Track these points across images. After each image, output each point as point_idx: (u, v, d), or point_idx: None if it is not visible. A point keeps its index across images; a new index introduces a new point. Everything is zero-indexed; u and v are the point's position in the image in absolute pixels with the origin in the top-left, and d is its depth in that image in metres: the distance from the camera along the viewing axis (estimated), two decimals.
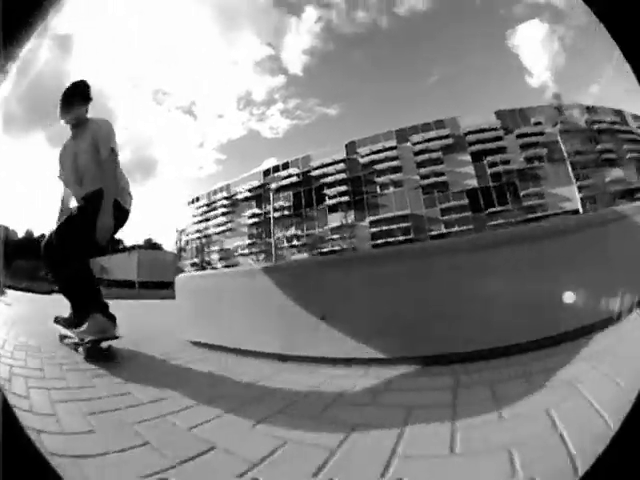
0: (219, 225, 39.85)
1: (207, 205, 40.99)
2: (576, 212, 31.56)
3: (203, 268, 40.11)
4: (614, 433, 0.60)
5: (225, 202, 39.78)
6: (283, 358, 1.98)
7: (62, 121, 2.28)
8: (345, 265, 2.19)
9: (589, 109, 35.96)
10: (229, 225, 39.18)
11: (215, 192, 41.04)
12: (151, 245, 44.17)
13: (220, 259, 39.81)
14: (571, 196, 31.76)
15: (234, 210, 39.10)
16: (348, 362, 1.77)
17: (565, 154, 31.43)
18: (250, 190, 38.14)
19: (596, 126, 34.92)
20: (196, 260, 40.79)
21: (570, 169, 32.35)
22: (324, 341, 1.88)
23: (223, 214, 39.71)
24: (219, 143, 54.18)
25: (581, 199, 31.90)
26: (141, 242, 44.11)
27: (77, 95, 2.27)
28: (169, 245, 45.56)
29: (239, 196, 38.84)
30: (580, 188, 32.04)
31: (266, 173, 37.65)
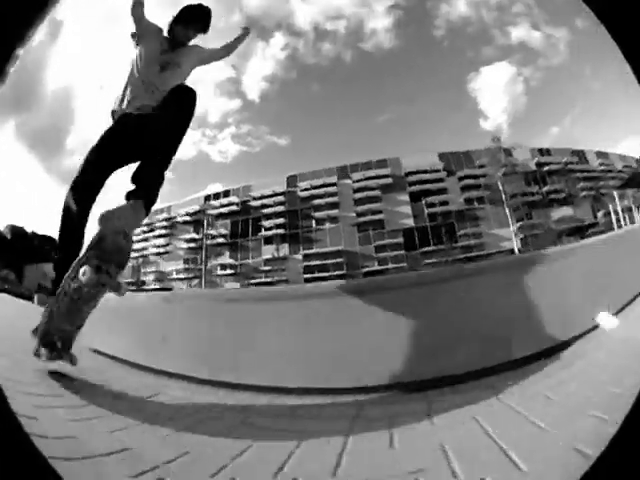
0: (157, 247, 38.20)
1: (147, 225, 39.46)
2: (512, 251, 30.95)
3: (139, 287, 38.48)
4: None
5: (165, 224, 38.27)
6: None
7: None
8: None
9: (541, 151, 35.98)
10: (167, 248, 37.55)
11: (156, 213, 39.52)
12: None
13: (155, 280, 38.06)
14: (509, 236, 31.16)
15: (173, 233, 37.58)
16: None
17: (505, 196, 30.91)
18: (189, 214, 36.74)
19: (547, 167, 34.85)
20: (132, 280, 39.10)
21: (509, 210, 31.87)
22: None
23: (161, 236, 38.09)
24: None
25: (521, 239, 31.37)
26: None
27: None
28: None
29: (179, 219, 37.39)
30: (521, 228, 31.50)
31: (207, 198, 36.38)
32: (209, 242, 34.87)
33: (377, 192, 31.07)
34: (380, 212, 30.87)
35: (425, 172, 31.53)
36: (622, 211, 23.16)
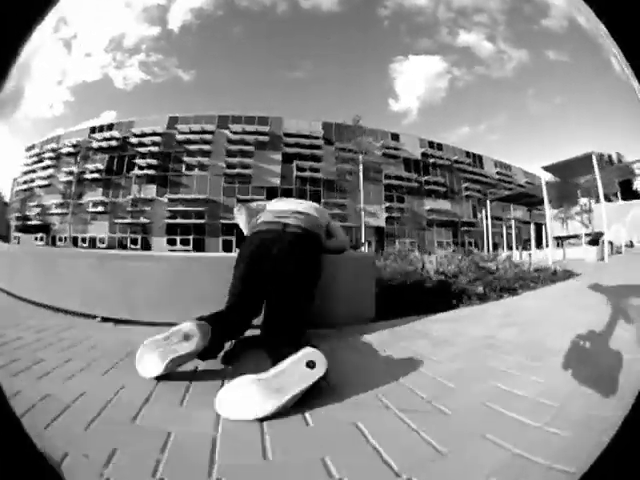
0: (42, 179, 36.36)
1: (37, 155, 37.61)
2: (380, 228, 30.72)
3: (24, 220, 36.55)
4: None
5: (52, 154, 36.58)
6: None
7: None
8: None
9: (432, 144, 36.36)
10: (50, 180, 35.76)
11: (46, 142, 37.82)
12: None
13: (37, 215, 36.06)
14: (378, 214, 30.98)
15: (57, 165, 35.89)
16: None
17: (374, 175, 30.80)
18: (73, 146, 35.21)
19: (432, 160, 35.15)
20: (18, 214, 37.05)
21: (383, 190, 31.83)
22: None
23: (47, 167, 36.32)
24: (74, 83, 50.15)
25: (386, 218, 31.26)
26: None
27: None
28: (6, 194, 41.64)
29: (63, 150, 35.79)
30: (388, 208, 31.39)
31: (92, 131, 34.95)
32: (85, 177, 33.37)
33: (251, 147, 30.58)
34: (249, 167, 30.31)
35: (304, 137, 31.28)
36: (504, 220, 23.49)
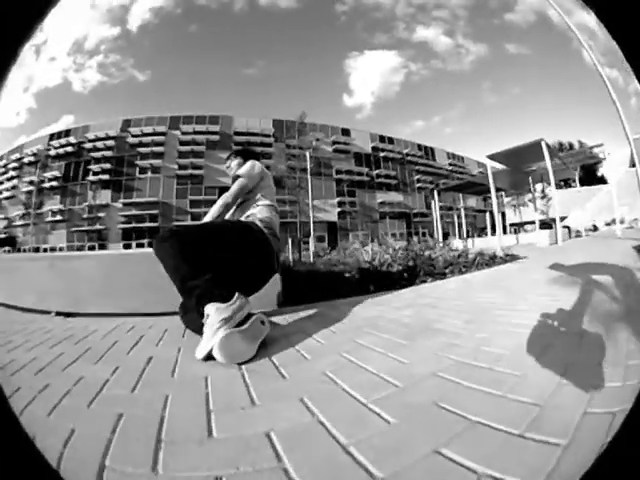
0: (8, 190, 36.42)
1: (3, 167, 37.48)
2: (332, 223, 30.81)
3: None
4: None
5: (16, 164, 36.62)
6: None
7: None
8: None
9: (382, 138, 36.31)
10: (13, 192, 35.79)
11: (11, 152, 37.78)
12: None
13: (4, 228, 36.12)
14: (328, 209, 31.06)
15: (20, 175, 35.97)
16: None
17: (323, 170, 30.85)
18: (33, 155, 35.32)
19: (383, 154, 35.12)
20: None
21: (334, 185, 31.89)
22: None
23: (12, 178, 36.36)
24: (38, 89, 50.03)
25: (339, 213, 31.33)
26: None
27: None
28: None
29: (25, 160, 35.88)
30: (340, 203, 31.44)
31: (52, 137, 35.01)
32: (44, 186, 33.46)
33: (202, 147, 30.66)
34: (201, 168, 30.40)
35: (254, 135, 31.34)
36: (454, 209, 23.51)
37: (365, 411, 0.74)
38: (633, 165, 10.00)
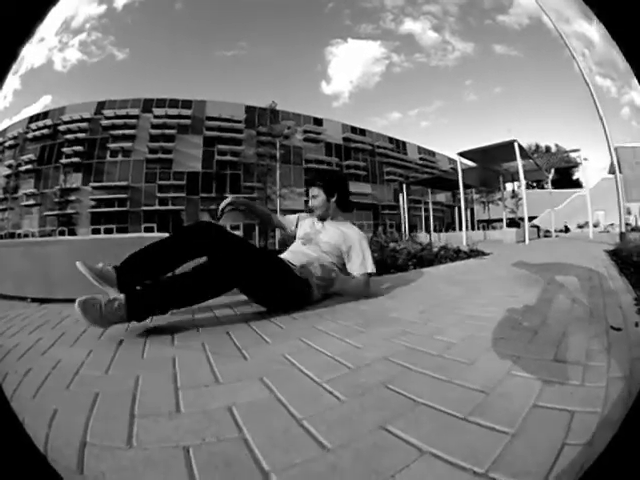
0: None
1: None
2: (300, 211, 30.39)
3: None
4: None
5: None
6: None
7: None
8: None
9: (354, 129, 35.92)
10: None
11: None
12: None
13: None
14: (297, 198, 30.72)
15: (2, 158, 36.02)
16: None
17: (293, 158, 30.46)
18: (12, 138, 35.40)
19: (354, 145, 34.72)
20: None
21: (302, 174, 31.55)
22: None
23: None
24: (25, 70, 49.69)
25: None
26: None
27: None
28: None
29: (7, 143, 35.93)
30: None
31: (31, 120, 35.00)
32: (20, 169, 33.46)
33: (173, 131, 30.46)
34: (171, 152, 30.22)
35: (226, 120, 31.06)
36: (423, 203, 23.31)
37: (319, 390, 0.78)
38: (612, 172, 9.59)
